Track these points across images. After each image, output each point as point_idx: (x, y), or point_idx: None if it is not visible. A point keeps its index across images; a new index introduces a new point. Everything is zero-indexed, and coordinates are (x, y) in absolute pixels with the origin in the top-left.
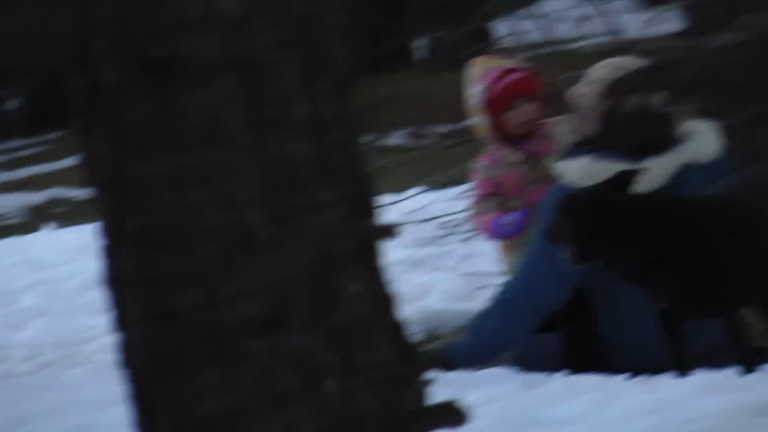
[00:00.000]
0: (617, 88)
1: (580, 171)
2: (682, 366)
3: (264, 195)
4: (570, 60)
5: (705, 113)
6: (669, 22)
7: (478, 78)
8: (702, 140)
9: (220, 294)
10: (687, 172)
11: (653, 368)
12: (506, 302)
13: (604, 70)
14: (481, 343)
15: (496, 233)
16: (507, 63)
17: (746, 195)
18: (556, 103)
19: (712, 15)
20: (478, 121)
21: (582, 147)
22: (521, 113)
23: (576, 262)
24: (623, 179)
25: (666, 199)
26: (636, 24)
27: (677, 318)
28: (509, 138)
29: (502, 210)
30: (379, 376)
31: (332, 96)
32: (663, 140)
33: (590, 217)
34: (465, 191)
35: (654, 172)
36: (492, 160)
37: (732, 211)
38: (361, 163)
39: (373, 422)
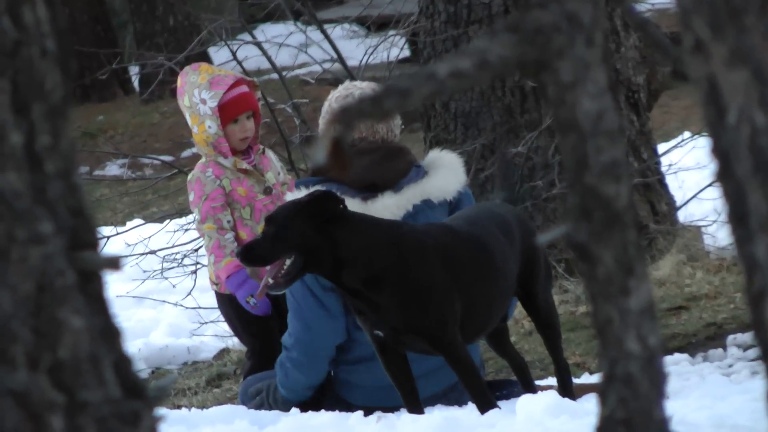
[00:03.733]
0: (344, 116)
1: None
2: (412, 402)
3: None
4: (293, 87)
5: (436, 143)
6: (393, 49)
7: (205, 84)
8: (444, 177)
9: None
10: (427, 208)
11: (390, 407)
12: (292, 359)
13: (335, 97)
14: (292, 395)
15: (235, 291)
16: (230, 73)
17: (473, 228)
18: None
19: (438, 41)
20: (202, 127)
21: (314, 177)
22: (244, 127)
23: (285, 282)
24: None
25: (382, 221)
26: (360, 50)
27: (395, 346)
28: (231, 150)
29: (237, 222)
30: (108, 413)
31: (47, 124)
32: (399, 174)
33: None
34: (186, 223)
35: (387, 209)
36: (218, 169)
37: (453, 241)
38: (80, 193)
39: None
